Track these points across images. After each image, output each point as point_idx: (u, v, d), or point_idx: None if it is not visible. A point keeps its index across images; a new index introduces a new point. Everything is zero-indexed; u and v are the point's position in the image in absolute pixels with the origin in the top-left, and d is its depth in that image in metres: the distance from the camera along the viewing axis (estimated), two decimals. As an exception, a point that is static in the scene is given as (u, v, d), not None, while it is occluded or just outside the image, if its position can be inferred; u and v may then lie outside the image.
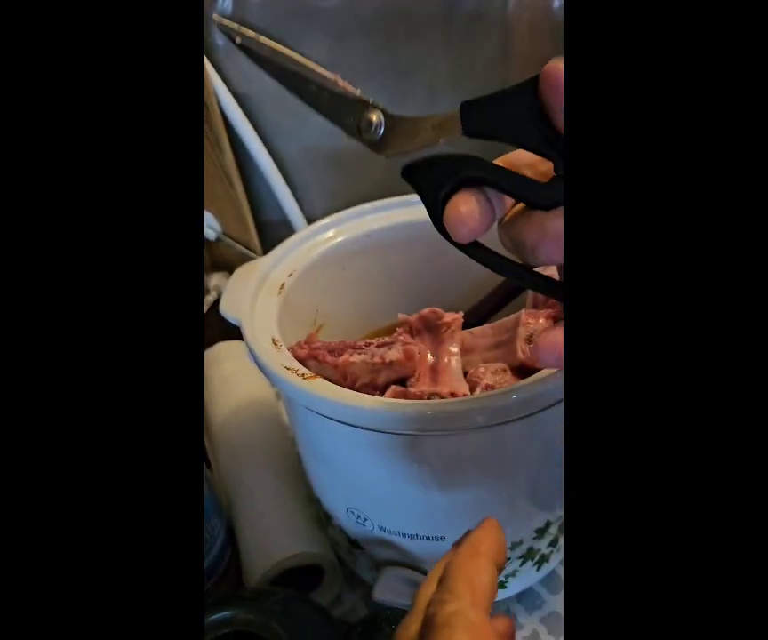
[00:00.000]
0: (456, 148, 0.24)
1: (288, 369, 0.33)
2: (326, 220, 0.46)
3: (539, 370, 0.32)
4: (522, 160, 0.24)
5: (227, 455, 0.51)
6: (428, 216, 0.25)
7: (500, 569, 0.24)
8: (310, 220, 0.62)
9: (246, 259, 0.67)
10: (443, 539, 0.37)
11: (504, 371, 0.38)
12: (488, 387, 0.37)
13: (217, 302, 0.60)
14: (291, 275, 0.42)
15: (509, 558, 0.39)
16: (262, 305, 0.40)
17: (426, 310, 0.41)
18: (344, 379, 0.37)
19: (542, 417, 0.31)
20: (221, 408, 0.55)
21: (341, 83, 0.25)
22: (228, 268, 0.72)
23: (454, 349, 0.40)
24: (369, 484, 0.37)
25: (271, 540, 0.43)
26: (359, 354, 0.37)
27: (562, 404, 0.31)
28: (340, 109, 0.25)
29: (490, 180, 0.23)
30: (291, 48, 0.25)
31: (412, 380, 0.38)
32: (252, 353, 0.36)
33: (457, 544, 0.25)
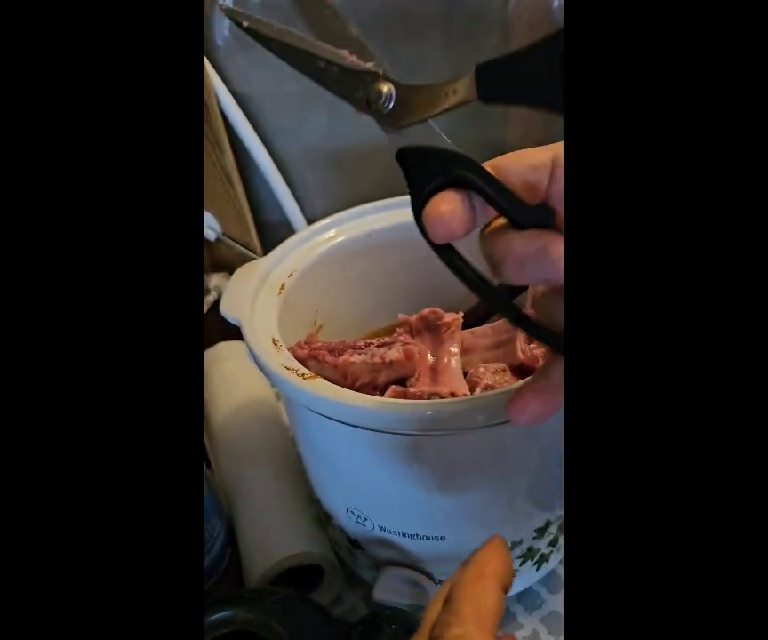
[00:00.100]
0: (459, 143, 0.24)
1: (288, 369, 0.33)
2: (326, 221, 0.46)
3: (539, 370, 0.32)
4: (514, 167, 0.23)
5: (227, 455, 0.51)
6: None
7: (506, 590, 0.24)
8: (310, 221, 0.62)
9: (246, 259, 0.67)
10: (443, 538, 0.37)
11: (504, 371, 0.38)
12: (488, 387, 0.37)
13: (217, 302, 0.60)
14: (291, 275, 0.42)
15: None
16: (262, 305, 0.40)
17: (426, 310, 0.41)
18: (344, 379, 0.37)
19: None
20: (221, 408, 0.55)
21: (350, 57, 0.25)
22: (228, 268, 0.72)
23: (454, 349, 0.40)
24: (369, 484, 0.37)
25: (271, 539, 0.43)
26: (359, 354, 0.37)
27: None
28: (349, 83, 0.25)
29: (477, 186, 0.23)
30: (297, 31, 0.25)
31: (412, 380, 0.38)
32: (252, 353, 0.36)
33: (464, 563, 0.25)
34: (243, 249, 0.68)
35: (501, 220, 0.24)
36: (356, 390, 0.36)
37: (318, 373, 0.34)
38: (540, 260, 0.22)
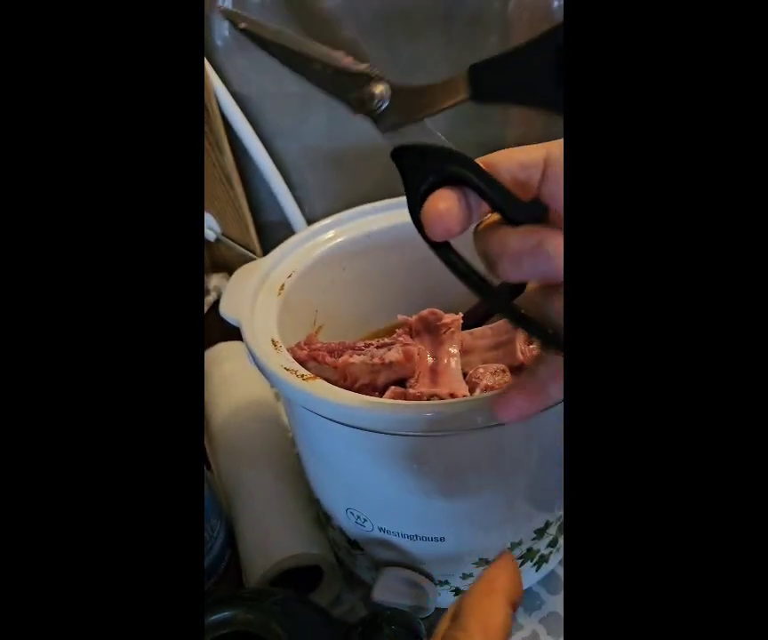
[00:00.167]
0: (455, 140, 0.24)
1: (287, 370, 0.33)
2: (326, 221, 0.46)
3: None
4: (504, 164, 0.24)
5: (227, 455, 0.51)
6: None
7: (515, 607, 0.24)
8: (310, 221, 0.62)
9: (246, 260, 0.67)
10: (442, 539, 0.37)
11: (503, 371, 0.38)
12: (487, 387, 0.37)
13: (217, 303, 0.60)
14: (290, 275, 0.42)
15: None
16: (262, 306, 0.40)
17: (425, 311, 0.41)
18: (344, 380, 0.37)
19: (541, 418, 0.31)
20: (221, 408, 0.55)
21: (345, 59, 0.25)
22: (228, 268, 0.72)
23: (454, 350, 0.40)
24: (368, 485, 0.37)
25: (271, 540, 0.43)
26: (359, 355, 0.37)
27: (561, 404, 0.31)
28: (345, 85, 0.25)
29: (473, 183, 0.23)
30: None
31: (412, 381, 0.38)
32: (251, 354, 0.36)
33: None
34: (242, 249, 0.68)
35: (494, 217, 0.24)
36: (356, 391, 0.36)
37: (318, 374, 0.34)
38: (536, 255, 0.22)
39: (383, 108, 0.25)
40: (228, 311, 0.39)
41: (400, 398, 0.36)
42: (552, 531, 0.39)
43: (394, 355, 0.37)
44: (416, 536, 0.37)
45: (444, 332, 0.41)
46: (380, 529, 0.38)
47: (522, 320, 0.24)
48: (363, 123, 0.26)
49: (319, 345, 0.38)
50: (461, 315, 0.41)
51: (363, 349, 0.38)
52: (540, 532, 0.39)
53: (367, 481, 0.36)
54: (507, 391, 0.26)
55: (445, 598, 0.41)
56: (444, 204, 0.23)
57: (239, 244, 0.69)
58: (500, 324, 0.41)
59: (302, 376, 0.33)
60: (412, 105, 0.24)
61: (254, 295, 0.40)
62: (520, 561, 0.39)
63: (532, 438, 0.34)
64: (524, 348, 0.39)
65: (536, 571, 0.41)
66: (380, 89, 0.24)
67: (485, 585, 0.24)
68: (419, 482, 0.34)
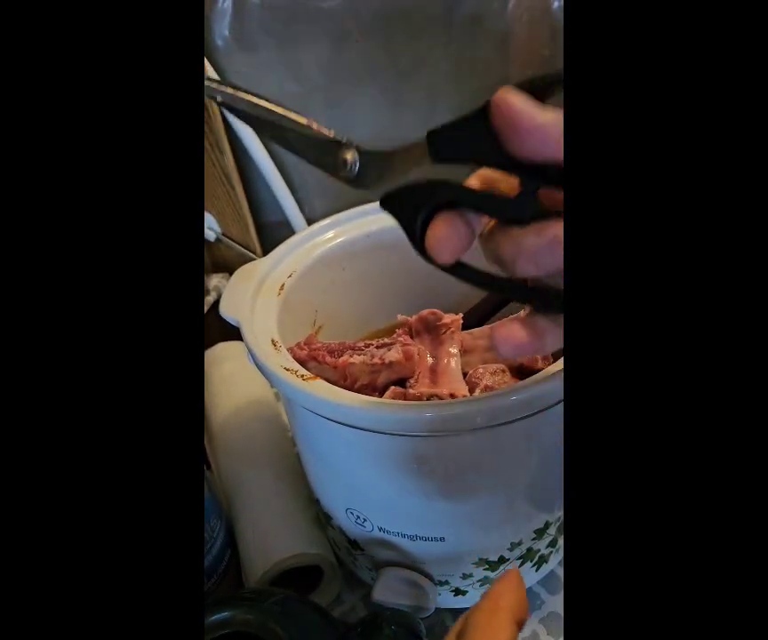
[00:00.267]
0: (433, 174, 0.24)
1: (287, 370, 0.33)
2: (326, 221, 0.46)
3: (538, 371, 0.32)
4: (495, 174, 0.24)
5: (227, 455, 0.51)
6: None
7: (520, 625, 0.24)
8: (310, 221, 0.62)
9: (246, 260, 0.67)
10: (442, 539, 0.37)
11: (503, 372, 0.38)
12: (487, 388, 0.37)
13: (217, 303, 0.60)
14: (290, 275, 0.42)
15: (508, 559, 0.39)
16: (262, 306, 0.40)
17: (425, 311, 0.41)
18: (344, 380, 0.37)
19: (542, 418, 0.31)
20: (221, 408, 0.55)
21: (316, 126, 0.26)
22: (228, 269, 0.72)
23: (454, 350, 0.40)
24: (368, 485, 0.37)
25: (271, 540, 0.43)
26: (359, 355, 0.37)
27: (561, 404, 0.31)
28: (318, 152, 0.26)
29: (462, 201, 0.24)
30: (268, 100, 0.26)
31: (412, 381, 0.38)
32: (251, 354, 0.36)
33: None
34: (242, 250, 0.69)
35: (494, 221, 0.24)
36: (356, 391, 0.36)
37: (318, 374, 0.34)
38: (554, 250, 0.22)
39: (356, 171, 0.26)
40: (227, 311, 0.39)
41: (400, 398, 0.36)
42: (552, 531, 0.39)
43: (394, 355, 0.37)
44: (416, 536, 0.37)
45: (444, 332, 0.41)
46: (380, 529, 0.38)
47: (557, 300, 0.24)
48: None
49: (319, 345, 0.38)
50: (461, 315, 0.41)
51: (363, 349, 0.38)
52: (540, 533, 0.39)
53: (367, 481, 0.36)
54: (510, 323, 0.25)
55: (445, 598, 0.41)
56: (444, 228, 0.24)
57: (239, 244, 0.69)
58: (500, 324, 0.41)
59: (302, 376, 0.33)
60: (382, 168, 0.26)
61: (254, 295, 0.40)
62: (520, 561, 0.39)
63: (532, 438, 0.34)
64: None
65: (536, 571, 0.41)
66: (349, 155, 0.26)
67: (491, 602, 0.24)
68: (419, 482, 0.34)
